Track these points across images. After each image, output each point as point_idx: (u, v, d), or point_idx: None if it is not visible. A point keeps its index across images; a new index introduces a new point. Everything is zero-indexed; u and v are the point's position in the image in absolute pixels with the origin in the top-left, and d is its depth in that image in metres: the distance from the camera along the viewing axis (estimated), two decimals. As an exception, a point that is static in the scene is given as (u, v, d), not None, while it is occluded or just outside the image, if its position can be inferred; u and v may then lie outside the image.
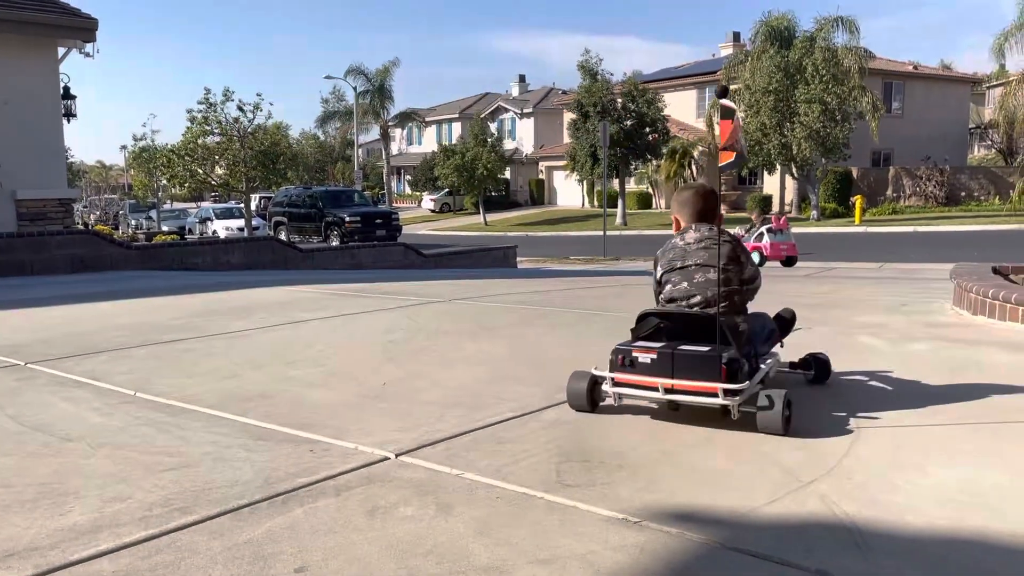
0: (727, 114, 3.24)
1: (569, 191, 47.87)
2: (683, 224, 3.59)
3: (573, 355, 4.69)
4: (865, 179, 35.76)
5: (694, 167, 39.88)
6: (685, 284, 3.41)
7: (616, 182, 37.50)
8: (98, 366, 4.56)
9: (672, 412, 3.35)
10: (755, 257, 14.99)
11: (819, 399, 3.61)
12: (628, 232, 31.81)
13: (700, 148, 38.34)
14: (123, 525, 2.34)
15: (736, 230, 16.51)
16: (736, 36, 44.09)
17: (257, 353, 4.97)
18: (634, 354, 3.18)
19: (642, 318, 3.39)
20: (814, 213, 32.32)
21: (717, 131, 4.58)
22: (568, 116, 40.39)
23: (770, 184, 37.72)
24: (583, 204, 46.24)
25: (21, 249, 11.68)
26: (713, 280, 3.29)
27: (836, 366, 4.02)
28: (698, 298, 3.37)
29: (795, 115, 30.73)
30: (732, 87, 33.29)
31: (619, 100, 35.64)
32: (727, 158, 3.28)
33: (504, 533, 2.26)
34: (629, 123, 35.33)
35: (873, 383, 3.93)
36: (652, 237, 28.93)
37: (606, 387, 3.32)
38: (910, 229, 27.61)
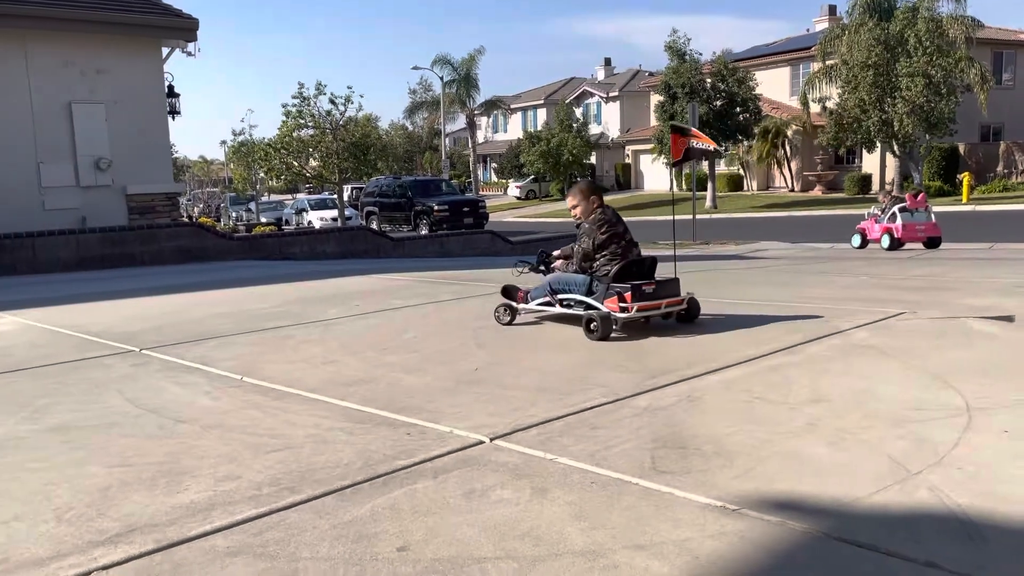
0: (678, 130, 4.30)
1: (656, 175, 47.13)
2: (598, 202, 5.27)
3: (665, 342, 4.64)
4: (973, 155, 33.87)
5: (788, 147, 38.65)
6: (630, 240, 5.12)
7: (705, 164, 36.71)
8: (206, 352, 4.78)
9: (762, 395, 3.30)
10: (885, 240, 14.00)
11: (924, 384, 3.47)
12: (718, 215, 31.11)
13: (794, 127, 37.09)
14: (235, 503, 2.45)
15: (871, 209, 15.39)
16: (832, 9, 42.35)
17: (353, 339, 5.12)
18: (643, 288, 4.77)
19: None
20: (917, 192, 30.83)
21: (689, 142, 5.45)
22: (655, 98, 39.71)
23: (869, 162, 36.18)
24: (671, 188, 45.46)
25: (132, 241, 12.34)
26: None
27: (946, 351, 3.84)
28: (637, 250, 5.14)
29: (896, 90, 29.32)
30: (828, 62, 32.19)
31: (708, 80, 34.79)
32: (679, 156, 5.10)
33: (599, 517, 2.27)
34: (719, 103, 34.47)
35: (984, 370, 3.74)
36: (744, 220, 28.23)
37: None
38: (1022, 207, 26.02)
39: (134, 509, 2.44)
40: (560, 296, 5.09)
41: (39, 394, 3.93)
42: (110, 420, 3.44)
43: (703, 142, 5.60)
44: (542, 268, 5.50)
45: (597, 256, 5.02)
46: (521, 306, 5.34)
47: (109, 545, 2.19)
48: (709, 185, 36.15)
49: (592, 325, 4.70)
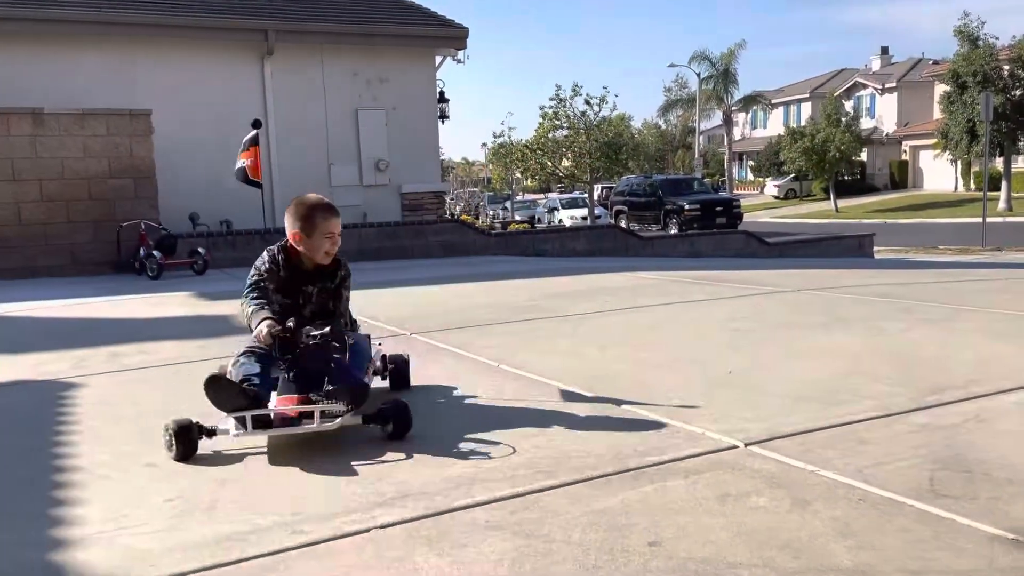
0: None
1: (938, 173, 42.67)
2: None
3: (944, 353, 4.19)
4: None
5: (1107, 140, 33.17)
6: None
7: (1000, 161, 32.57)
8: (466, 339, 5.09)
9: None
10: None
11: None
12: (1013, 219, 27.49)
13: (1116, 117, 31.78)
14: (494, 480, 2.59)
15: None
16: None
17: (603, 334, 5.18)
18: None
19: None
20: None
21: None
22: (940, 88, 35.98)
23: None
24: (956, 187, 40.93)
25: (404, 235, 13.47)
26: None
27: None
28: None
29: None
30: None
31: (1006, 67, 30.84)
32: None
33: (868, 537, 2.10)
34: (1018, 93, 30.44)
35: None
36: (1045, 224, 24.69)
37: None
38: None
39: (407, 476, 2.67)
40: None
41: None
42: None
43: None
44: None
45: None
46: None
47: (386, 507, 2.42)
48: (1003, 184, 32.08)
49: None
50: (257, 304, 3.22)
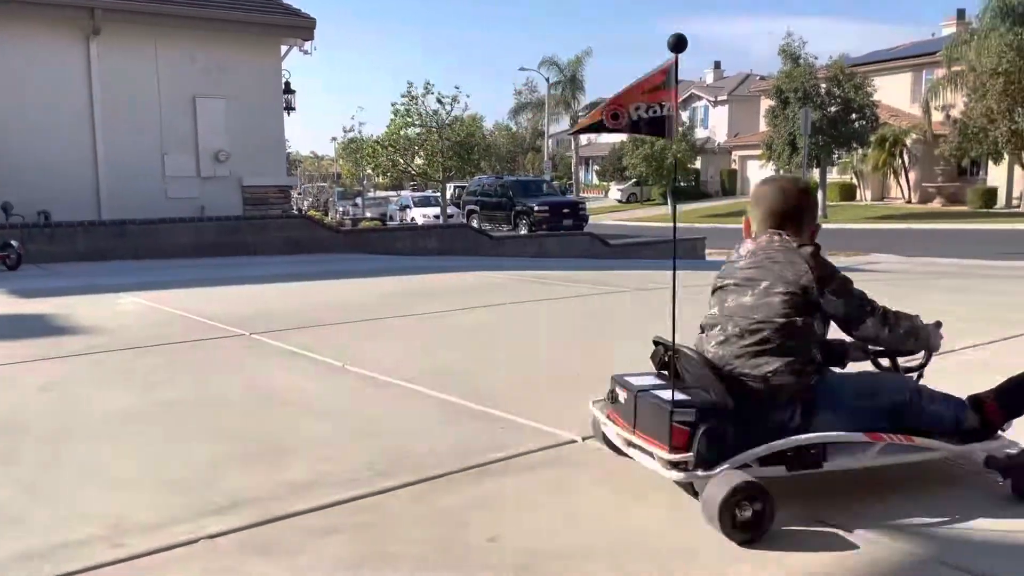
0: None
1: (763, 181, 45.91)
2: (754, 228, 2.59)
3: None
4: (1114, 169, 31.44)
5: (906, 156, 36.89)
6: (715, 310, 2.55)
7: (816, 172, 35.49)
8: (311, 339, 4.94)
9: None
10: None
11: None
12: (829, 225, 29.90)
13: (914, 136, 35.37)
14: (332, 484, 2.53)
15: None
16: (961, 13, 40.13)
17: (453, 333, 5.19)
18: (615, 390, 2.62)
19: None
20: (1049, 207, 28.90)
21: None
22: (766, 103, 38.66)
23: (995, 175, 34.11)
24: (778, 195, 44.16)
25: (246, 231, 12.91)
26: (749, 305, 2.41)
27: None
28: (717, 331, 2.47)
29: (1030, 98, 27.57)
30: (954, 69, 30.50)
31: (823, 85, 33.59)
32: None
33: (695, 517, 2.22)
34: (833, 109, 33.22)
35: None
36: (856, 231, 27.11)
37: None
38: None
39: (239, 483, 2.55)
40: None
41: (155, 371, 4.16)
42: (220, 398, 3.61)
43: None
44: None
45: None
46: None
47: (216, 515, 2.30)
48: (819, 194, 34.85)
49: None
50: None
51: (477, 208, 30.31)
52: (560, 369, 4.09)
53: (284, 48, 14.65)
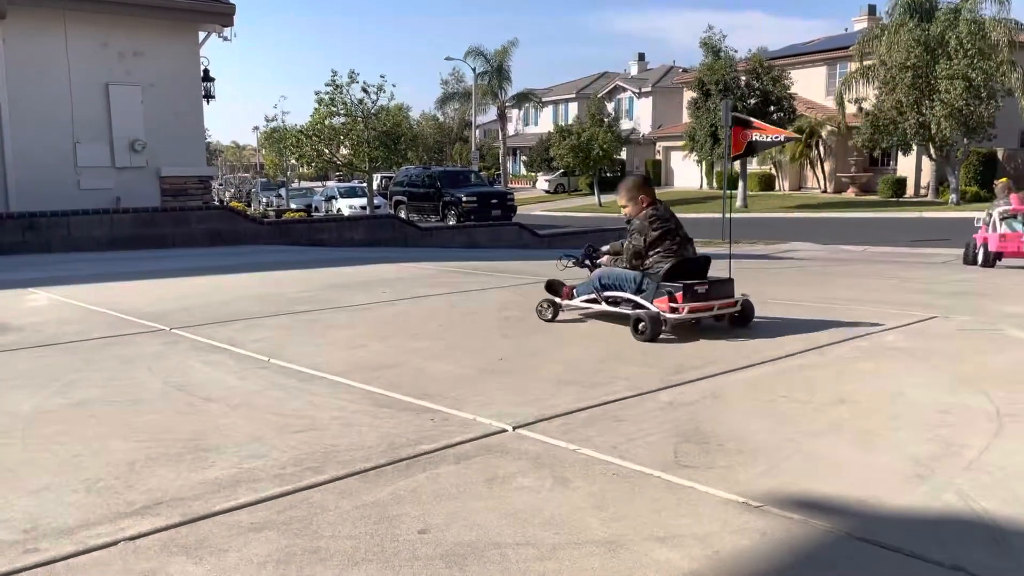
0: (740, 123, 4.51)
1: (687, 172, 46.84)
2: (648, 200, 4.93)
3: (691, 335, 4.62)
4: (1012, 161, 33.23)
5: (821, 147, 38.18)
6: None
7: (737, 163, 36.41)
8: (234, 333, 4.84)
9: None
10: (980, 252, 10.45)
11: (953, 388, 3.42)
12: (749, 215, 30.82)
13: (829, 127, 36.61)
14: (259, 481, 2.49)
15: (984, 215, 11.19)
16: (872, 9, 41.69)
17: (380, 325, 5.15)
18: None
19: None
20: (953, 197, 30.36)
21: (752, 135, 5.41)
22: (688, 95, 39.46)
23: (904, 165, 35.66)
24: (701, 185, 45.18)
25: (164, 223, 12.49)
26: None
27: (977, 356, 3.77)
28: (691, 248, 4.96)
29: (935, 92, 28.84)
30: (866, 63, 31.67)
31: (743, 78, 34.45)
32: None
33: (620, 508, 2.26)
34: (753, 101, 34.09)
35: (1018, 376, 3.68)
36: (774, 220, 27.94)
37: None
38: (1062, 215, 25.46)
39: (160, 483, 2.48)
40: (608, 293, 4.86)
41: (69, 369, 4.00)
42: (138, 396, 3.50)
43: (768, 134, 5.29)
44: (588, 263, 5.27)
45: (649, 253, 4.75)
46: (565, 302, 5.16)
47: (136, 516, 2.23)
48: (740, 184, 35.82)
49: (640, 326, 4.45)
50: None
51: (405, 199, 30.06)
52: (488, 359, 4.10)
53: (202, 34, 14.20)
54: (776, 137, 5.43)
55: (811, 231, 21.96)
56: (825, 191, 38.65)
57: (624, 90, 55.60)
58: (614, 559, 1.98)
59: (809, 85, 39.06)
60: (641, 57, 60.68)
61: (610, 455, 2.68)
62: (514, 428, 2.97)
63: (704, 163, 41.07)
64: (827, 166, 39.03)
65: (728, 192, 25.67)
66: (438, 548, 2.03)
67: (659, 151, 50.92)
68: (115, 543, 2.08)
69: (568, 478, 2.49)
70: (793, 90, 34.64)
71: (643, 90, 54.08)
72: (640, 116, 53.99)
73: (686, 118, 40.45)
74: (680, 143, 41.94)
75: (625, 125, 49.75)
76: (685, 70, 49.35)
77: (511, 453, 2.73)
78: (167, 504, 2.31)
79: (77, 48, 12.55)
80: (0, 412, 3.28)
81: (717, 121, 31.58)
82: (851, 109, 33.32)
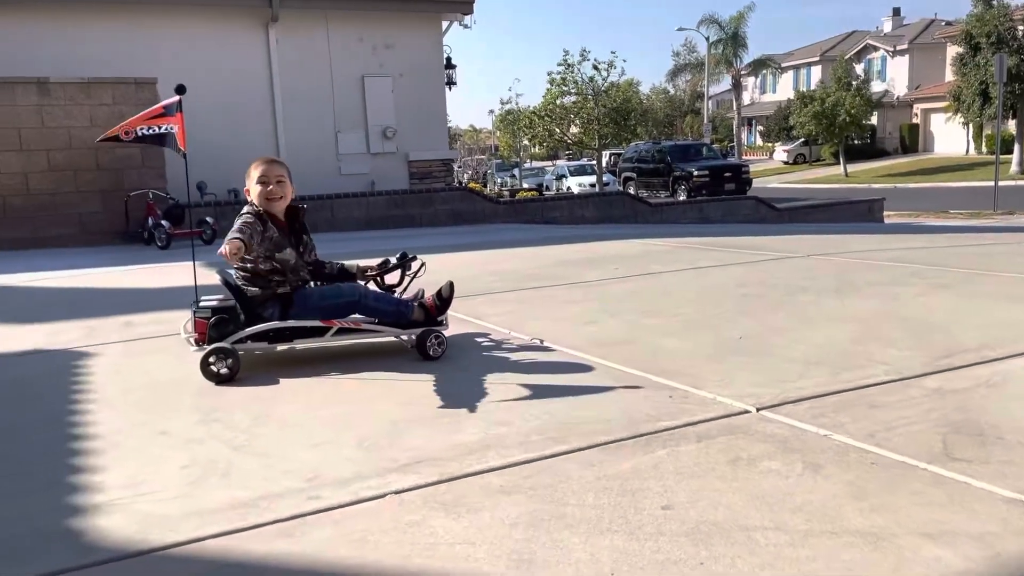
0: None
1: (950, 136, 42.21)
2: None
3: (956, 318, 4.18)
4: None
5: (1122, 101, 32.67)
6: None
7: (1012, 124, 32.18)
8: (477, 307, 5.09)
9: None
10: None
11: None
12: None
13: None
14: (507, 447, 2.61)
15: None
16: None
17: (614, 302, 5.18)
18: None
19: None
20: None
21: None
22: (953, 50, 35.43)
23: None
24: (967, 151, 40.52)
25: (412, 204, 13.43)
26: None
27: None
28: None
29: None
30: None
31: (1020, 28, 30.29)
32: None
33: (881, 500, 2.11)
34: (1033, 53, 29.94)
35: None
36: (1058, 188, 24.44)
37: None
38: None
39: (419, 443, 2.68)
40: None
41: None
42: (393, 366, 3.79)
43: None
44: None
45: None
46: None
47: (400, 472, 2.44)
48: (1016, 147, 31.72)
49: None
50: None
51: (634, 175, 29.88)
52: (726, 337, 3.98)
53: (445, 24, 15.00)
54: None
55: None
56: None
57: (875, 49, 51.10)
58: (876, 552, 1.85)
59: (1108, 29, 33.49)
60: (896, 12, 55.34)
61: (867, 443, 2.50)
62: (757, 410, 2.87)
63: (971, 126, 36.78)
64: None
65: (1000, 157, 22.79)
66: (683, 525, 2.02)
67: (916, 114, 46.34)
68: (383, 496, 2.28)
69: (820, 464, 2.36)
70: (1086, 36, 29.95)
71: (898, 48, 49.38)
72: (894, 77, 49.40)
73: (950, 76, 36.41)
74: (942, 104, 37.92)
75: (876, 87, 45.78)
76: (949, 23, 44.39)
77: (755, 435, 2.63)
78: (426, 463, 2.50)
79: (338, 44, 13.78)
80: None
81: (988, 78, 28.12)
82: None
